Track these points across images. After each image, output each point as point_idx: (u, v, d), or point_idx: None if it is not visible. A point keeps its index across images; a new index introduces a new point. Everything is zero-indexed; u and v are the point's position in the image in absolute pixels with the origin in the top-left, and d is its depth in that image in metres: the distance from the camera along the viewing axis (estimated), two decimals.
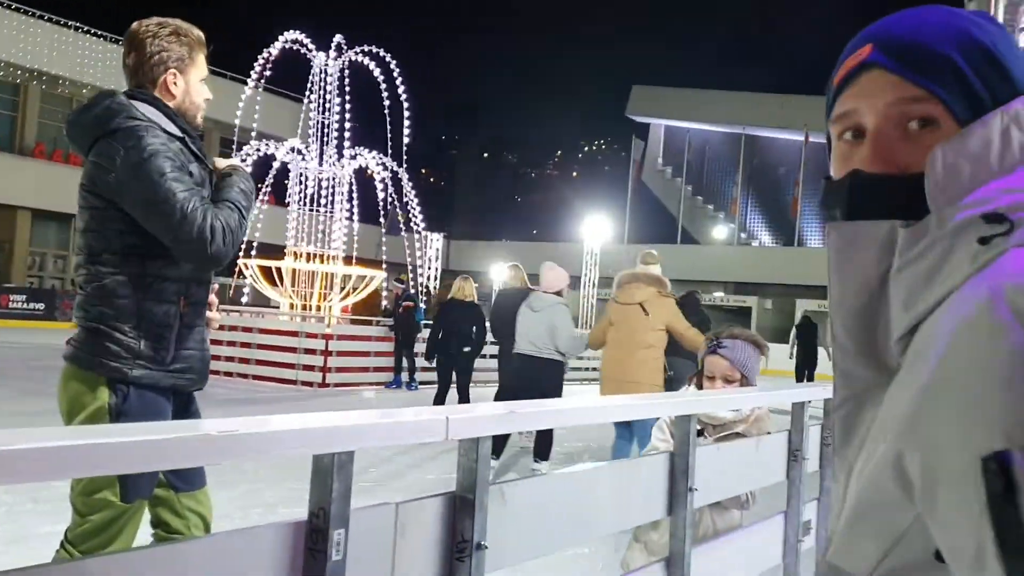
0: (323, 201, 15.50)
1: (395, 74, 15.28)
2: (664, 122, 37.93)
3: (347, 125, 15.41)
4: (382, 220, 16.53)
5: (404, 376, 12.84)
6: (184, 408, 2.31)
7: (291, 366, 12.48)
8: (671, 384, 5.82)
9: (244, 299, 16.18)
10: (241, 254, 13.42)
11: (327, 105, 15.33)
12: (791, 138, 33.84)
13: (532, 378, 6.44)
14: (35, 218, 25.99)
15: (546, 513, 1.68)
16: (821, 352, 16.23)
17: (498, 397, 8.45)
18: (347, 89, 15.45)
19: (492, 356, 10.23)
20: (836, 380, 0.81)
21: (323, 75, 15.36)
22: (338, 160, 15.47)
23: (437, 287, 21.89)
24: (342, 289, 15.07)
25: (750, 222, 38.86)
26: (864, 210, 0.76)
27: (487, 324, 8.67)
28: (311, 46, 15.26)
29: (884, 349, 0.74)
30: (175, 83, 2.28)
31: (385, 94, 15.36)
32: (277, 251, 15.41)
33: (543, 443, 6.77)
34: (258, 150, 14.98)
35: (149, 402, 2.17)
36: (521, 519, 1.56)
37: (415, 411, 1.33)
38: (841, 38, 0.85)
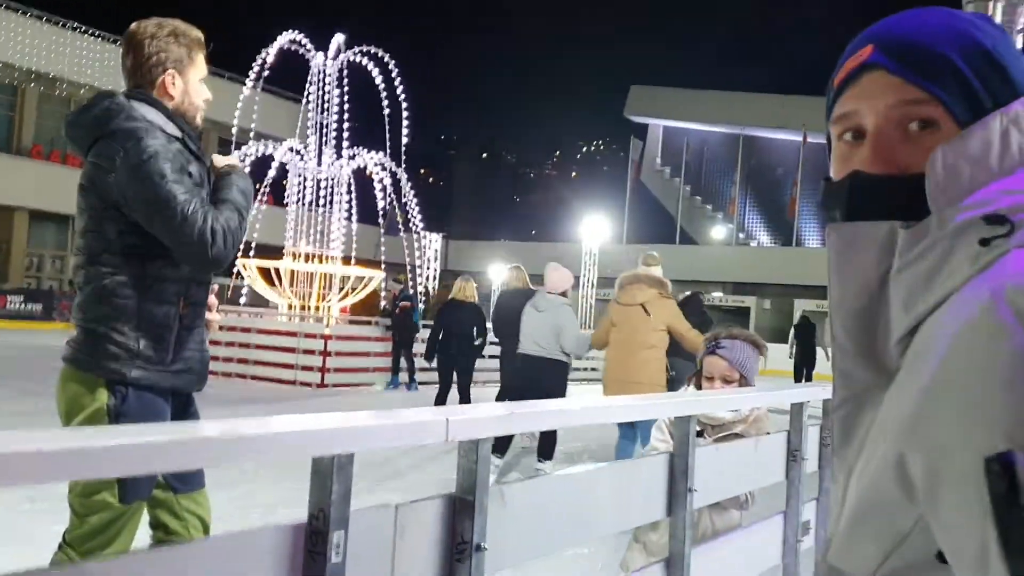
0: (322, 201, 15.51)
1: (394, 74, 15.28)
2: (662, 122, 37.95)
3: (346, 125, 15.41)
4: (381, 220, 16.53)
5: (402, 376, 12.83)
6: (183, 409, 2.30)
7: (290, 366, 12.47)
8: (673, 384, 5.85)
9: (242, 300, 16.16)
10: (239, 254, 13.41)
11: (326, 105, 15.33)
12: (789, 138, 33.87)
13: (536, 378, 6.45)
14: (33, 219, 25.97)
15: (546, 514, 1.68)
16: (820, 352, 16.30)
17: (501, 397, 8.50)
18: (346, 89, 15.45)
19: (492, 356, 10.26)
20: (835, 381, 0.81)
21: (322, 75, 15.35)
22: (337, 160, 15.46)
23: (436, 287, 21.90)
24: (341, 289, 15.06)
25: (748, 222, 38.89)
26: (864, 211, 0.76)
27: (487, 324, 8.70)
28: (310, 46, 15.25)
29: (884, 350, 0.74)
30: (174, 84, 2.28)
31: (384, 94, 15.36)
32: (276, 251, 15.41)
33: (547, 443, 6.78)
34: (257, 150, 14.97)
35: (148, 403, 2.16)
36: (521, 520, 1.56)
37: (415, 412, 1.33)
38: (839, 38, 0.85)
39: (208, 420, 1.17)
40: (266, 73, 15.09)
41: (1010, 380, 0.57)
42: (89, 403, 2.13)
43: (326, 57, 15.38)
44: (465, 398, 8.68)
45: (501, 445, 6.68)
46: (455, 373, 8.65)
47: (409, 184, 16.07)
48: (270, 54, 14.98)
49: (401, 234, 16.68)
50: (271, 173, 15.47)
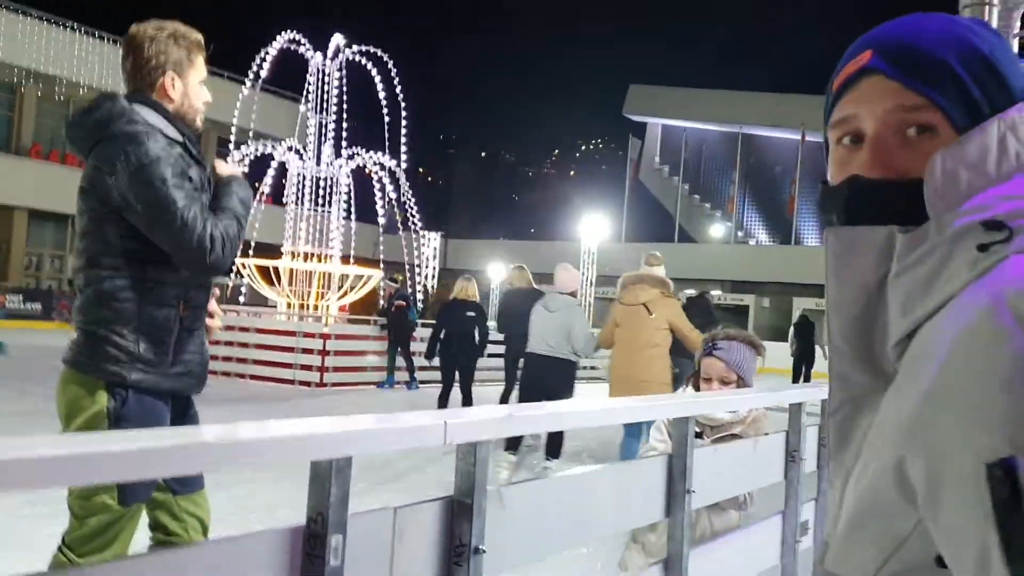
0: (321, 200, 15.50)
1: (393, 73, 15.28)
2: (661, 121, 37.94)
3: (345, 124, 15.42)
4: (380, 219, 16.53)
5: (398, 376, 12.83)
6: (183, 411, 2.31)
7: (289, 366, 12.47)
8: (678, 382, 5.88)
9: (241, 299, 16.16)
10: (239, 252, 13.37)
11: (325, 105, 15.33)
12: (788, 137, 33.87)
13: (546, 378, 6.51)
14: (32, 218, 25.95)
15: (544, 516, 1.69)
16: (818, 350, 16.35)
17: (506, 396, 8.66)
18: (345, 89, 15.45)
19: (492, 356, 10.29)
20: (832, 384, 0.81)
21: (321, 75, 15.35)
22: (335, 159, 15.46)
23: (435, 286, 21.90)
24: (339, 288, 15.06)
25: (747, 221, 38.89)
26: (862, 215, 0.76)
27: (488, 324, 8.75)
28: (309, 46, 15.25)
29: (881, 354, 0.75)
30: (173, 86, 2.28)
31: (383, 93, 15.36)
32: (275, 251, 15.41)
33: (554, 442, 6.84)
34: (256, 150, 14.97)
35: (148, 406, 2.17)
36: (519, 523, 1.57)
37: (413, 415, 1.33)
38: (837, 37, 0.85)
39: (207, 425, 1.17)
40: (265, 73, 15.09)
41: (1012, 384, 0.57)
42: (89, 405, 2.14)
43: (325, 57, 15.38)
44: (467, 397, 8.71)
45: (513, 442, 6.76)
46: (456, 372, 8.67)
47: (408, 183, 16.08)
48: (269, 54, 14.98)
49: (400, 233, 16.69)
50: (270, 172, 15.48)
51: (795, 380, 16.32)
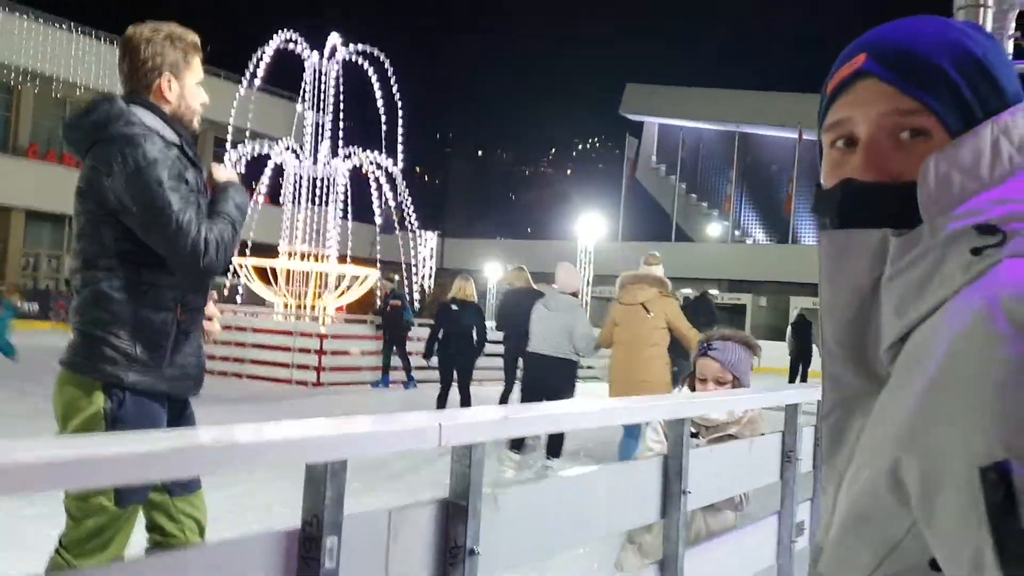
0: (317, 200, 15.49)
1: (390, 73, 15.27)
2: (658, 120, 37.93)
3: (342, 124, 15.41)
4: (376, 219, 16.52)
5: (394, 376, 12.83)
6: (179, 413, 2.31)
7: (286, 365, 12.47)
8: (677, 381, 5.91)
9: (238, 299, 16.15)
10: (236, 252, 13.35)
11: (322, 104, 15.32)
12: (785, 136, 33.88)
13: (547, 378, 6.56)
14: (29, 218, 25.90)
15: (539, 518, 1.69)
16: (816, 349, 16.38)
17: (506, 395, 8.73)
18: (342, 88, 15.44)
19: (491, 355, 10.31)
20: (825, 387, 0.82)
21: (318, 74, 15.34)
22: (332, 159, 15.45)
23: (431, 286, 21.88)
24: (336, 288, 15.05)
25: (744, 220, 38.90)
26: (856, 218, 0.77)
27: (486, 324, 8.77)
28: (305, 45, 15.23)
29: (874, 357, 0.75)
30: (170, 88, 2.29)
31: (380, 93, 15.36)
32: (272, 250, 15.39)
33: (554, 441, 6.88)
34: (253, 150, 14.95)
35: (144, 408, 2.17)
36: (514, 524, 1.57)
37: (408, 418, 1.34)
38: (834, 36, 0.86)
39: (203, 427, 1.17)
40: (262, 73, 15.07)
41: (1007, 388, 0.58)
42: (86, 407, 2.14)
43: (322, 56, 15.37)
44: (465, 397, 8.74)
45: (517, 442, 6.81)
46: (455, 372, 8.69)
47: (404, 182, 16.07)
48: (266, 54, 14.97)
49: (396, 232, 16.68)
50: (267, 172, 15.46)
51: (792, 379, 16.36)
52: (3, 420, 7.33)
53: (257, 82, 15.18)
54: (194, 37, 2.36)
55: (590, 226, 24.09)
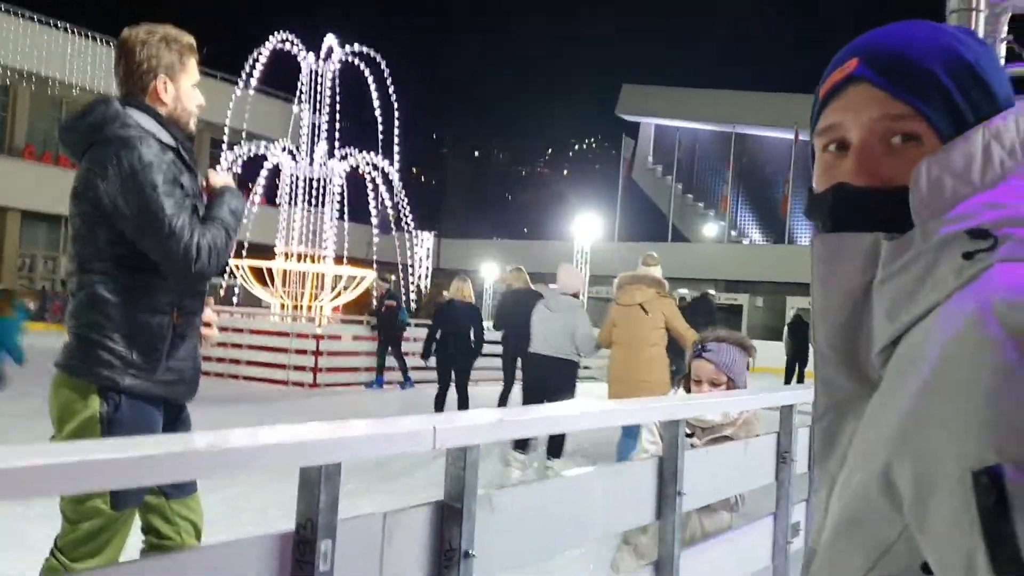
0: (314, 201, 15.49)
1: (386, 73, 15.27)
2: (654, 120, 37.94)
3: (338, 125, 15.41)
4: (373, 219, 16.52)
5: (390, 376, 12.82)
6: (175, 417, 2.31)
7: (282, 366, 12.46)
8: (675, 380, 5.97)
9: (235, 300, 16.13)
10: (232, 254, 13.33)
11: (318, 105, 15.31)
12: (781, 136, 33.92)
13: (548, 378, 6.61)
14: (25, 219, 25.85)
15: (534, 519, 1.69)
16: (812, 349, 16.42)
17: (505, 395, 8.79)
18: (338, 89, 15.44)
19: (490, 355, 10.33)
20: (817, 390, 0.82)
21: (314, 75, 15.33)
22: (329, 160, 15.44)
23: (428, 286, 21.85)
24: (333, 289, 15.04)
25: (740, 220, 38.94)
26: (848, 222, 0.77)
27: (483, 324, 8.81)
28: (302, 46, 15.22)
29: (866, 360, 0.76)
30: (166, 90, 2.28)
31: (376, 93, 15.36)
32: (268, 251, 15.38)
33: (555, 442, 6.93)
34: (249, 150, 14.94)
35: (140, 411, 2.17)
36: (509, 526, 1.58)
37: (402, 421, 1.34)
38: (831, 37, 0.86)
39: (198, 432, 1.17)
40: (258, 74, 15.06)
41: (999, 393, 0.58)
42: (82, 410, 2.14)
43: (318, 57, 15.36)
44: (463, 397, 8.76)
45: (523, 442, 6.87)
46: (453, 373, 8.72)
47: (401, 183, 16.07)
48: (263, 54, 14.96)
49: (393, 233, 16.68)
50: (263, 173, 15.45)
51: (788, 380, 16.39)
52: (1, 421, 7.31)
53: (253, 83, 15.17)
54: (189, 39, 2.36)
55: (586, 227, 24.11)
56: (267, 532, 1.13)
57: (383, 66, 15.21)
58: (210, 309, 2.42)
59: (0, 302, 7.95)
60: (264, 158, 15.24)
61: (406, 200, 16.28)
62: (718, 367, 2.67)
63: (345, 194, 15.86)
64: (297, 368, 12.36)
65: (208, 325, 2.40)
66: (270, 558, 1.10)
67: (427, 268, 22.61)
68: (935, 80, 0.76)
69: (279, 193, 15.65)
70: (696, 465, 2.30)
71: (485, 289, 27.87)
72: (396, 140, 15.55)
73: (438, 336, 8.70)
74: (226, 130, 15.40)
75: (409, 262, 16.65)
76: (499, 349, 8.97)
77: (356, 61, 15.31)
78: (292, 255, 15.23)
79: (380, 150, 15.58)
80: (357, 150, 15.63)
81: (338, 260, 15.69)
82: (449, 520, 1.38)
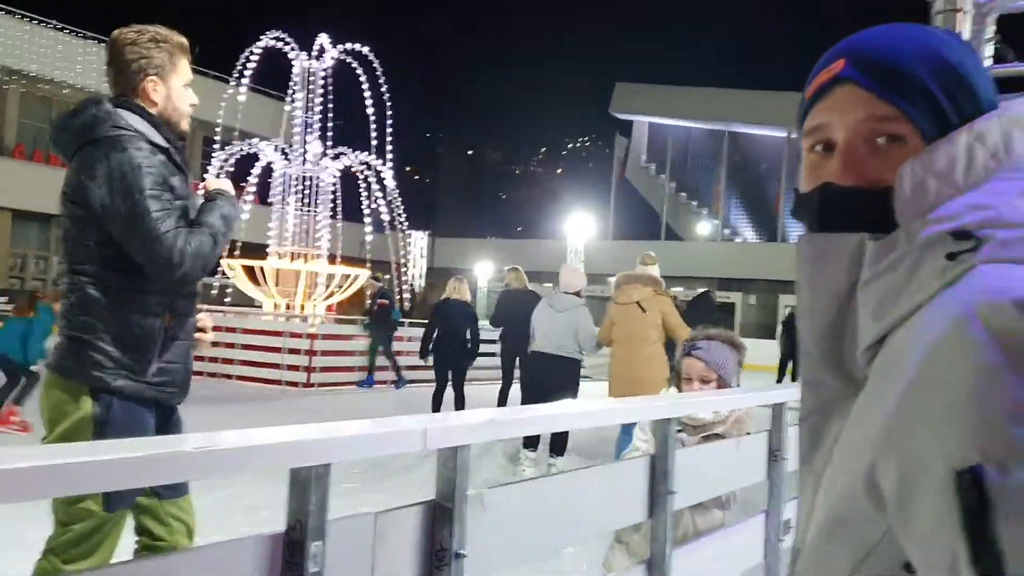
0: (307, 200, 15.46)
1: (379, 72, 15.25)
2: (647, 119, 37.97)
3: (332, 124, 15.39)
4: (366, 218, 16.50)
5: (384, 376, 12.80)
6: (166, 418, 2.30)
7: (276, 366, 12.42)
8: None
9: (227, 299, 16.09)
10: (224, 254, 13.30)
11: (311, 104, 15.28)
12: (774, 134, 33.99)
13: (552, 376, 6.68)
14: (15, 219, 25.71)
15: (526, 519, 1.69)
16: None
17: (504, 394, 8.91)
18: (331, 88, 15.41)
19: (489, 355, 10.36)
20: (803, 390, 0.83)
21: (307, 74, 15.30)
22: (322, 159, 15.42)
23: (422, 285, 21.84)
24: (326, 288, 15.02)
25: (734, 218, 39.01)
26: (834, 222, 0.78)
27: (480, 324, 8.88)
28: (295, 45, 15.19)
29: (851, 360, 0.76)
30: (156, 90, 2.28)
31: (369, 92, 15.34)
32: (261, 251, 15.34)
33: (558, 440, 6.99)
34: (242, 150, 14.90)
35: (132, 413, 2.16)
36: (501, 526, 1.58)
37: (393, 421, 1.34)
38: (821, 35, 0.87)
39: (188, 434, 1.18)
40: (251, 72, 15.03)
41: (982, 393, 0.59)
42: (73, 411, 2.13)
43: (309, 56, 15.32)
44: (460, 397, 8.80)
45: (532, 440, 6.95)
46: (450, 372, 8.76)
47: (395, 182, 16.06)
48: (255, 53, 14.92)
49: (387, 232, 16.66)
50: (256, 172, 15.41)
51: (780, 377, 16.42)
52: None
53: (246, 81, 15.13)
54: (180, 39, 2.35)
55: (580, 225, 24.13)
56: (258, 533, 1.13)
57: (377, 65, 15.19)
58: (208, 316, 2.43)
59: (23, 304, 8.03)
60: (257, 157, 15.20)
61: (400, 199, 16.26)
62: (708, 365, 2.68)
63: (339, 193, 15.84)
64: (290, 368, 12.33)
65: (203, 331, 2.39)
66: (260, 559, 1.10)
67: (421, 267, 22.58)
68: (920, 82, 0.76)
69: (272, 192, 15.60)
70: (688, 463, 2.30)
71: (479, 288, 27.85)
72: (389, 139, 15.53)
73: (435, 336, 8.74)
74: (219, 129, 15.34)
75: (403, 261, 16.64)
76: (497, 348, 9.08)
77: (349, 60, 15.28)
78: (285, 254, 15.19)
79: (374, 149, 15.56)
80: (351, 149, 15.61)
81: (331, 259, 15.66)
82: (440, 520, 1.38)
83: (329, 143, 15.54)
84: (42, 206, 23.31)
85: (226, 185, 2.43)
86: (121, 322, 2.15)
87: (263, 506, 4.87)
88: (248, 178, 15.29)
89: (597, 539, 2.94)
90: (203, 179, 2.41)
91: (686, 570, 2.31)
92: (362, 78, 15.22)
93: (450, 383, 8.76)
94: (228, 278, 14.94)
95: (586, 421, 2.21)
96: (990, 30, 2.53)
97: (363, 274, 14.98)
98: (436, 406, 8.71)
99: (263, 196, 16.60)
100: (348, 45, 15.23)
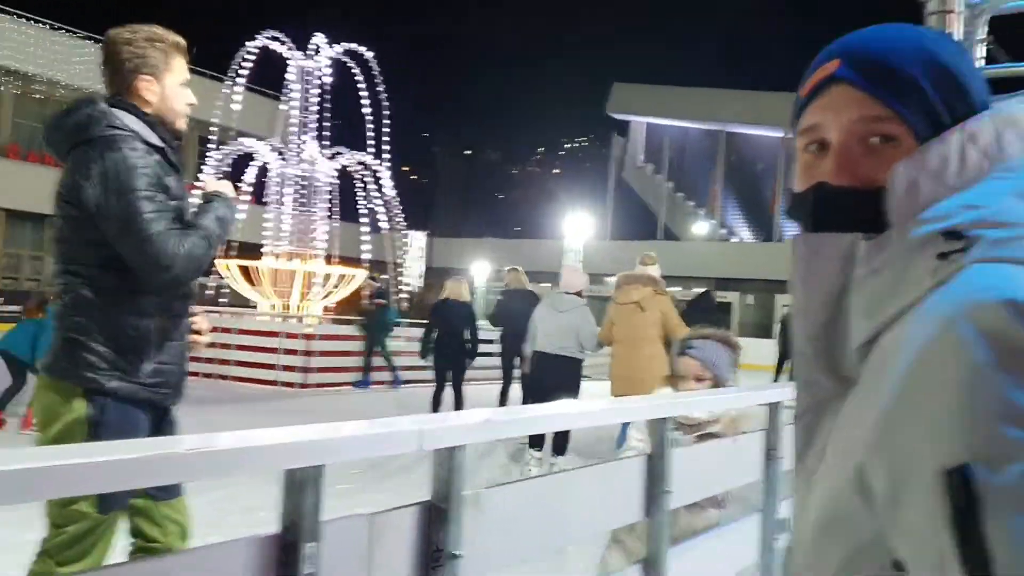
0: (304, 200, 15.44)
1: (377, 72, 15.25)
2: (644, 119, 37.99)
3: (329, 123, 15.39)
4: (363, 218, 16.48)
5: (380, 376, 12.79)
6: (161, 419, 2.29)
7: (272, 367, 12.41)
8: None
9: (223, 300, 16.06)
10: (220, 255, 13.26)
11: (308, 103, 15.27)
12: (770, 134, 34.04)
13: (554, 376, 6.75)
14: (9, 219, 25.66)
15: (523, 519, 1.69)
16: None
17: (504, 394, 9.03)
18: (328, 87, 15.40)
19: (489, 355, 10.39)
20: (798, 389, 0.83)
21: (304, 73, 15.28)
22: (319, 158, 15.40)
23: (421, 286, 21.82)
24: (323, 287, 15.00)
25: (731, 218, 39.05)
26: (829, 222, 0.78)
27: (478, 324, 8.93)
28: (293, 45, 15.17)
29: (845, 359, 0.77)
30: (150, 89, 2.27)
31: (367, 92, 15.34)
32: (257, 250, 15.32)
33: (559, 440, 7.05)
34: (239, 149, 14.88)
35: (126, 414, 2.16)
36: (497, 526, 1.57)
37: (388, 422, 1.34)
38: (819, 37, 0.87)
39: (182, 435, 1.17)
40: (247, 71, 15.01)
41: (972, 392, 0.59)
42: (67, 412, 2.13)
43: (308, 55, 15.31)
44: (459, 397, 8.84)
45: (538, 440, 6.99)
46: (449, 372, 8.79)
47: (392, 182, 16.05)
48: (252, 52, 14.91)
49: (384, 232, 16.65)
50: (253, 171, 15.39)
51: (777, 377, 16.45)
52: None
53: (243, 81, 15.11)
54: (175, 38, 2.35)
55: (578, 225, 24.14)
56: (255, 534, 1.13)
57: (375, 64, 15.18)
58: (206, 319, 2.42)
59: (33, 305, 8.09)
60: (253, 156, 15.18)
61: (398, 199, 16.26)
62: (702, 364, 2.69)
63: (336, 193, 15.83)
64: (286, 368, 12.31)
65: (199, 333, 2.39)
66: (254, 561, 1.10)
67: (419, 267, 22.58)
68: (914, 83, 0.77)
69: (269, 192, 15.58)
70: (684, 463, 2.30)
71: (476, 288, 27.84)
72: (387, 138, 15.52)
73: (435, 335, 8.77)
74: (215, 128, 15.31)
75: (400, 261, 16.64)
76: (496, 348, 9.18)
77: (347, 59, 15.27)
78: (281, 254, 15.16)
79: (371, 148, 15.55)
80: (348, 149, 15.61)
81: (328, 259, 15.65)
82: (436, 521, 1.38)
83: (327, 143, 15.53)
84: (36, 206, 23.25)
85: (225, 187, 2.43)
86: (115, 323, 2.14)
87: (260, 507, 4.86)
88: (243, 177, 15.26)
89: (594, 539, 2.94)
90: (197, 179, 2.40)
91: (682, 570, 2.31)
92: (360, 78, 15.22)
93: (449, 383, 8.78)
94: (223, 278, 14.91)
95: (583, 421, 2.21)
96: (982, 31, 2.54)
97: (360, 274, 14.97)
98: (435, 406, 8.74)
99: (259, 196, 16.58)
100: (345, 45, 15.22)
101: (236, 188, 2.50)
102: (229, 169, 15.14)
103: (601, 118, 40.49)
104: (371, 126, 15.47)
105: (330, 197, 15.76)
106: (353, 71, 15.25)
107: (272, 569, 1.11)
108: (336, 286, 15.03)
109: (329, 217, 15.80)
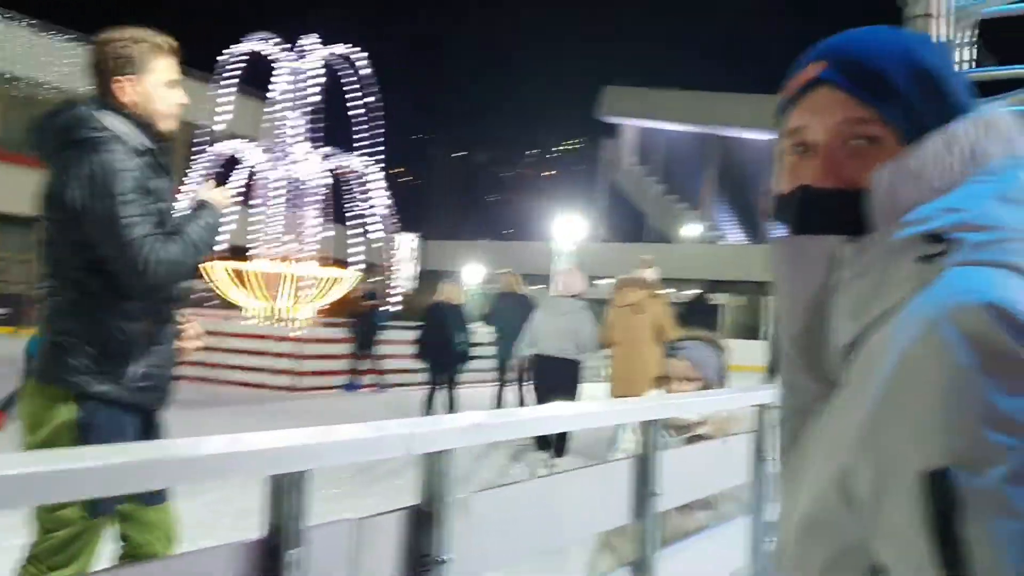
0: (295, 202, 15.39)
1: (371, 74, 15.20)
2: (636, 122, 38.08)
3: (321, 125, 15.34)
4: (355, 221, 16.44)
5: (368, 379, 12.75)
6: (148, 424, 2.28)
7: (261, 370, 12.34)
8: None
9: (213, 303, 15.97)
10: (198, 265, 13.15)
11: (300, 105, 15.22)
12: (760, 136, 34.15)
13: (554, 378, 6.83)
14: None
15: (511, 523, 1.69)
16: None
17: (499, 397, 9.07)
18: (322, 89, 15.35)
19: (483, 357, 10.38)
20: (783, 392, 0.84)
21: (296, 75, 15.23)
22: (311, 161, 15.36)
23: (413, 288, 21.78)
24: (315, 290, 14.93)
25: (721, 220, 39.17)
26: (813, 224, 0.79)
27: (470, 327, 8.96)
28: (286, 46, 15.12)
29: (828, 362, 0.77)
30: (134, 90, 2.26)
31: (361, 94, 15.29)
32: (244, 254, 15.24)
33: (559, 441, 7.09)
34: (228, 150, 14.82)
35: (113, 418, 2.14)
36: (485, 531, 1.57)
37: (374, 426, 1.33)
38: (806, 41, 0.87)
39: (167, 440, 1.17)
40: (239, 73, 14.95)
41: (953, 398, 0.60)
42: (54, 416, 2.11)
43: (300, 57, 15.26)
44: (452, 399, 8.86)
45: (545, 442, 7.07)
46: (442, 374, 8.81)
47: (385, 184, 16.01)
48: (243, 53, 14.85)
49: (376, 234, 16.60)
50: (243, 173, 15.32)
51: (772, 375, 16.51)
52: None
53: (234, 82, 15.05)
54: (161, 38, 2.33)
55: (569, 227, 24.14)
56: (238, 540, 1.12)
57: (368, 66, 15.14)
58: (199, 324, 2.41)
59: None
60: (243, 158, 15.12)
61: (391, 201, 16.22)
62: (691, 365, 2.70)
63: (328, 195, 15.78)
64: (275, 372, 12.25)
65: (189, 337, 2.38)
66: (239, 566, 1.09)
67: (411, 269, 22.53)
68: (897, 85, 0.78)
69: (258, 194, 15.51)
70: (673, 465, 2.30)
71: (469, 290, 27.81)
72: (380, 141, 15.49)
73: (428, 338, 8.78)
74: (207, 129, 15.24)
75: (393, 264, 16.60)
76: (492, 351, 9.27)
77: (340, 61, 15.23)
78: (270, 257, 15.09)
79: (364, 151, 15.51)
80: (341, 150, 15.56)
81: (320, 262, 15.58)
82: (424, 526, 1.38)
83: (319, 144, 15.47)
84: (24, 208, 22.96)
85: (218, 195, 2.40)
86: (103, 327, 2.13)
87: (252, 510, 4.82)
88: (229, 179, 15.18)
89: (583, 542, 2.94)
90: (182, 182, 2.39)
91: (671, 572, 2.31)
92: (353, 79, 15.18)
93: (443, 386, 8.80)
94: (211, 282, 14.83)
95: (574, 423, 2.21)
96: (966, 35, 2.56)
97: (351, 276, 14.92)
98: (428, 409, 8.74)
99: (247, 198, 16.51)
100: (339, 47, 15.17)
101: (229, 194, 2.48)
102: (221, 170, 15.07)
103: (592, 121, 40.60)
104: (363, 128, 15.43)
105: (322, 199, 15.70)
106: (345, 72, 15.21)
107: (257, 575, 1.10)
108: (329, 288, 14.96)
109: (321, 220, 15.74)
